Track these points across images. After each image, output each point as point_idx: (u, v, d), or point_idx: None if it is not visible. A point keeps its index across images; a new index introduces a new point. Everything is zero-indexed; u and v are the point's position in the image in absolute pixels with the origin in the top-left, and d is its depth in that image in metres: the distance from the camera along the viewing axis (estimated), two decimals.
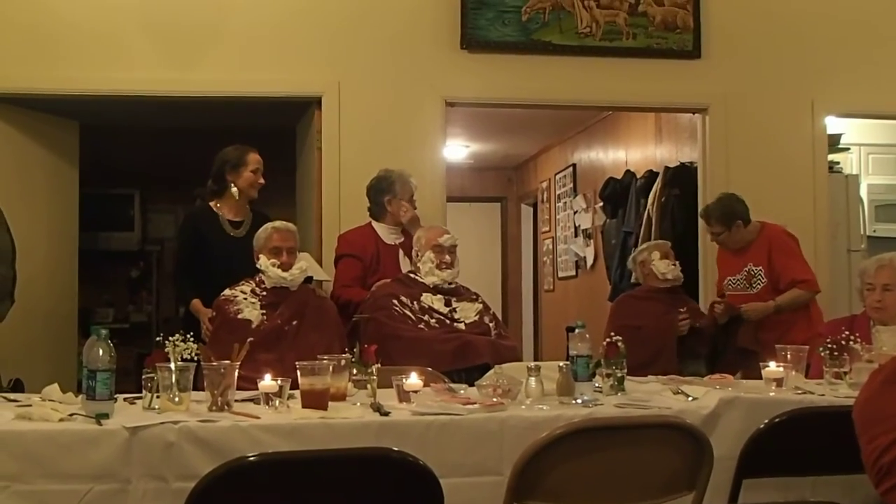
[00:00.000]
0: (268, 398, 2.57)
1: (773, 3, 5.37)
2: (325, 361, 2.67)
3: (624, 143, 7.39)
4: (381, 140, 4.98)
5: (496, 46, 5.04)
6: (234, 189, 4.32)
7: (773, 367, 3.05)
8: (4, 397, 2.79)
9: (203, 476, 1.80)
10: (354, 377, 2.87)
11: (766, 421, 2.39)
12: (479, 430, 2.46)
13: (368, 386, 2.80)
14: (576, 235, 8.28)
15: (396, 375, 2.76)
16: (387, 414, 2.50)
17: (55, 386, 2.69)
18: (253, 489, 1.80)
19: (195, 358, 2.60)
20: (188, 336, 2.61)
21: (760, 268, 4.57)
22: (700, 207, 5.14)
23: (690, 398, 2.82)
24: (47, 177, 5.60)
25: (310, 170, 5.21)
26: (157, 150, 7.41)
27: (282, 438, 2.34)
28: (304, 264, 3.79)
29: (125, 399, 2.66)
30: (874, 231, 6.11)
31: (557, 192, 8.96)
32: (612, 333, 3.04)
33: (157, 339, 2.65)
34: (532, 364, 2.90)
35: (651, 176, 6.34)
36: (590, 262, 7.87)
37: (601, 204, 7.16)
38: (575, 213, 8.31)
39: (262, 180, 4.37)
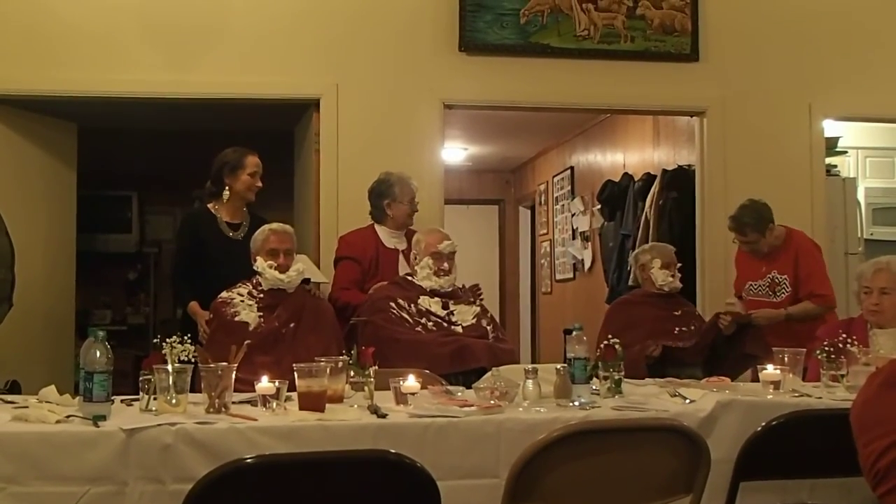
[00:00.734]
0: (265, 400, 2.57)
1: (771, 7, 5.38)
2: (322, 364, 2.67)
3: (622, 146, 7.39)
4: (380, 142, 4.98)
5: (494, 49, 5.04)
6: (227, 192, 4.32)
7: (770, 370, 3.05)
8: (1, 399, 2.79)
9: (200, 478, 1.80)
10: (352, 379, 2.87)
11: (764, 424, 2.39)
12: (476, 432, 2.46)
13: (366, 388, 2.79)
14: (573, 238, 8.27)
15: (394, 378, 2.76)
16: (384, 416, 2.50)
17: (52, 387, 2.69)
18: (250, 491, 1.80)
19: (192, 360, 2.60)
20: (185, 338, 2.62)
21: (786, 276, 4.50)
22: (698, 211, 5.13)
23: (688, 401, 2.83)
24: (45, 179, 5.58)
25: (308, 172, 5.21)
26: (155, 152, 7.40)
27: (279, 440, 2.34)
28: (302, 266, 3.78)
29: (122, 401, 2.66)
30: (871, 234, 6.12)
31: (555, 195, 8.96)
32: (610, 336, 3.04)
33: (155, 341, 2.65)
34: (529, 366, 2.90)
35: (649, 179, 6.34)
36: (587, 264, 7.87)
37: (599, 206, 7.16)
38: (573, 215, 8.31)
39: (259, 183, 4.36)
